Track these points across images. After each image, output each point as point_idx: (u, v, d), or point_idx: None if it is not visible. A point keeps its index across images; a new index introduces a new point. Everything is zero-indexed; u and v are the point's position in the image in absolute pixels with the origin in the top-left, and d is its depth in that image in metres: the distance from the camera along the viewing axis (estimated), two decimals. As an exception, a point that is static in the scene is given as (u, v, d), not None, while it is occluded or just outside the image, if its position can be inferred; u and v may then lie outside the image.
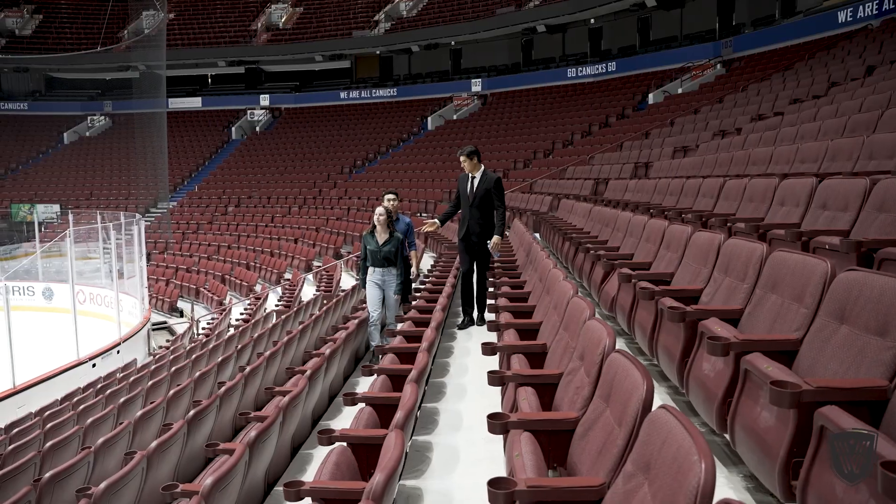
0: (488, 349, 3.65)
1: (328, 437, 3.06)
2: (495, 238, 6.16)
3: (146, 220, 23.09)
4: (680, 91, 20.68)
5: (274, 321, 10.59)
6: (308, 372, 4.73)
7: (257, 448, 3.63)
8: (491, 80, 30.04)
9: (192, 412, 4.59)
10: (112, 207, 24.52)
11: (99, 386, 9.60)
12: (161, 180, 26.28)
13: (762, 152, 6.59)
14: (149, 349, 14.83)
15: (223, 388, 5.18)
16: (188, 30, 34.35)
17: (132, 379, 8.71)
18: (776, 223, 4.15)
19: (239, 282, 17.19)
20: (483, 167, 6.28)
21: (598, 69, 26.36)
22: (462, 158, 6.23)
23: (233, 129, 33.05)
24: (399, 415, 3.00)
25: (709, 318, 2.84)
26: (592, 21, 26.93)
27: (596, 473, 2.10)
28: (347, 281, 13.86)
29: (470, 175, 6.24)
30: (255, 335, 8.65)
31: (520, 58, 29.85)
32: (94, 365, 12.30)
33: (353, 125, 30.85)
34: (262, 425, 3.65)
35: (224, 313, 13.89)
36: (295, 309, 10.42)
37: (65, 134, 34.40)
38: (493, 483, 1.96)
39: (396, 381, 3.92)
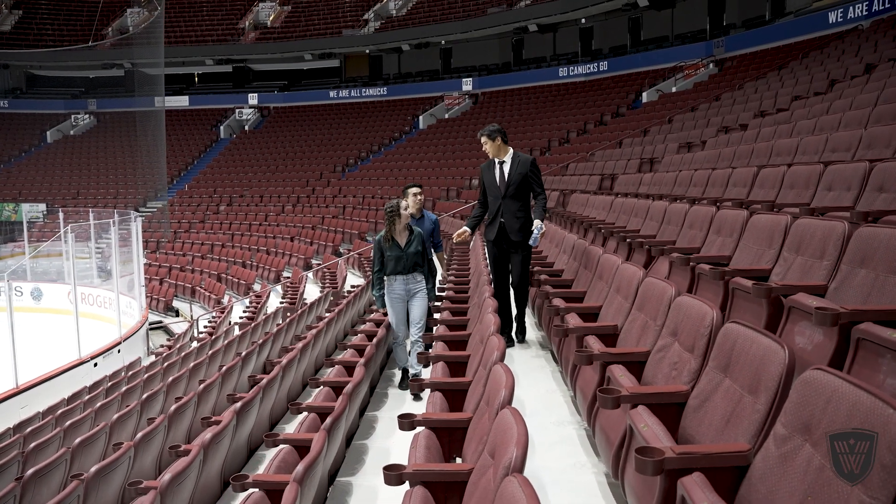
0: (561, 331, 3.65)
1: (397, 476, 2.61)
2: (538, 223, 5.04)
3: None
4: (674, 90, 20.87)
5: (281, 320, 10.52)
6: (349, 388, 4.23)
7: (335, 434, 3.63)
8: (482, 80, 30.08)
9: (238, 404, 4.54)
10: (101, 206, 24.17)
11: (109, 385, 9.45)
12: (159, 177, 25.98)
13: (787, 143, 6.67)
14: (148, 349, 14.62)
15: (265, 380, 5.13)
16: (175, 28, 33.92)
17: (146, 376, 8.58)
18: (828, 206, 4.19)
19: (236, 280, 17.03)
20: (511, 149, 5.26)
21: (589, 68, 26.51)
22: (483, 140, 5.19)
23: (221, 127, 32.74)
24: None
25: (797, 294, 2.87)
26: (583, 21, 27.08)
27: (728, 441, 2.11)
28: (351, 279, 13.79)
29: (497, 161, 5.24)
30: (268, 332, 8.58)
31: (510, 57, 29.93)
32: (95, 364, 12.10)
33: (343, 124, 30.73)
34: (310, 458, 3.61)
35: (226, 312, 13.74)
36: (301, 309, 10.28)
37: (48, 132, 33.83)
38: (641, 451, 1.96)
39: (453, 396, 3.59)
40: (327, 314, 9.03)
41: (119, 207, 23.12)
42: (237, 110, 33.20)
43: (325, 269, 14.89)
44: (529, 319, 6.05)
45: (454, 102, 30.11)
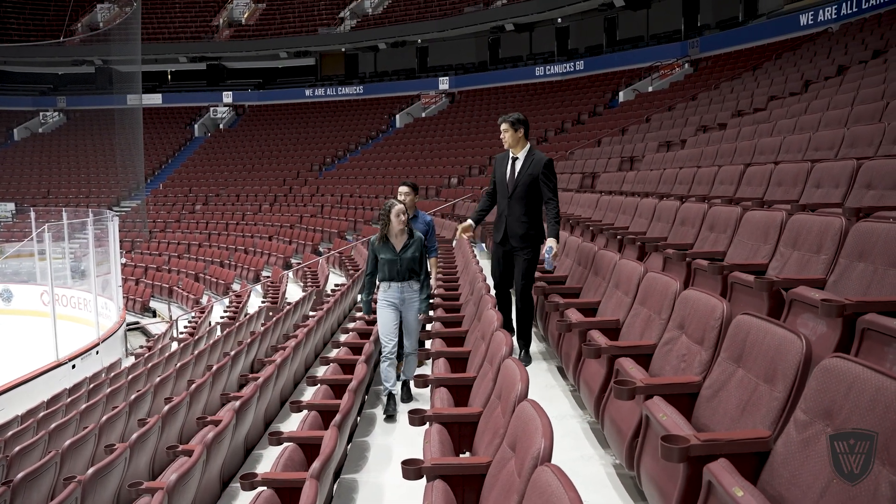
0: (564, 326, 3.70)
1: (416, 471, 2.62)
2: (551, 242, 4.55)
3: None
4: (651, 89, 21.15)
5: (264, 320, 10.44)
6: (353, 385, 4.22)
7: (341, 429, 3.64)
8: (458, 79, 30.14)
9: (237, 403, 4.51)
10: (73, 206, 23.71)
11: (91, 386, 9.29)
12: (132, 176, 25.53)
13: (770, 142, 6.83)
14: (126, 350, 14.40)
15: (261, 379, 5.10)
16: (147, 25, 33.34)
17: (130, 377, 8.47)
18: (818, 203, 4.31)
19: (215, 280, 16.85)
20: (529, 145, 4.69)
21: (565, 68, 26.73)
22: (503, 127, 4.62)
23: (195, 126, 32.33)
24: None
25: (798, 287, 2.96)
26: (559, 20, 27.29)
27: (743, 428, 2.18)
28: (334, 278, 13.74)
29: (511, 155, 4.69)
30: (253, 331, 8.53)
31: (487, 56, 30.04)
32: (73, 367, 11.89)
33: (319, 123, 30.57)
34: (326, 455, 3.62)
35: (206, 312, 13.59)
36: (286, 308, 10.22)
37: (15, 130, 33.05)
38: (666, 439, 2.01)
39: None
40: (313, 313, 9.01)
41: (92, 207, 22.71)
42: (212, 108, 32.81)
43: (305, 269, 14.81)
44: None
45: (431, 101, 30.13)
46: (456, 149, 23.35)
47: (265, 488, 3.13)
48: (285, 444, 3.67)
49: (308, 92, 32.85)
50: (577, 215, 8.05)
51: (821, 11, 18.40)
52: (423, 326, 5.11)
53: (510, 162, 4.73)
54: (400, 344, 4.90)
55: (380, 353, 4.89)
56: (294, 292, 13.72)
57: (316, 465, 2.72)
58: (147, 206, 25.21)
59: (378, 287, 4.86)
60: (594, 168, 13.10)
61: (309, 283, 12.88)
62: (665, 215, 5.42)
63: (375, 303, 4.96)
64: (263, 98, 33.24)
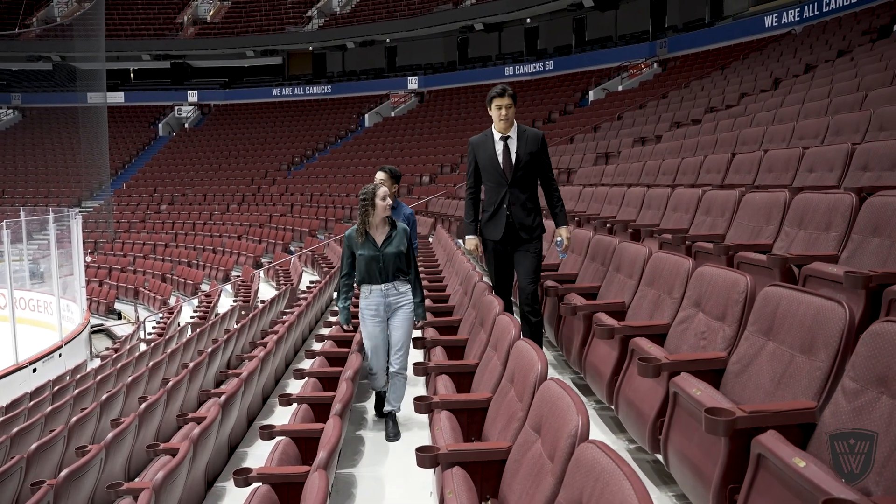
0: (569, 309, 3.60)
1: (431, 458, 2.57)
2: (563, 231, 4.08)
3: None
4: (620, 88, 21.33)
5: (237, 319, 10.17)
6: (350, 374, 3.95)
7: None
8: (427, 78, 30.04)
9: (222, 398, 4.31)
10: (31, 205, 22.90)
11: (55, 389, 8.90)
12: (94, 175, 24.76)
13: (753, 132, 6.86)
14: (91, 352, 13.91)
15: (245, 373, 4.89)
16: (108, 21, 32.45)
17: (98, 378, 8.13)
18: (813, 185, 4.30)
19: (183, 280, 16.41)
20: (516, 122, 4.08)
21: (535, 67, 26.83)
22: (507, 102, 3.95)
23: (160, 125, 31.58)
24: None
25: (812, 263, 2.91)
26: (528, 20, 27.39)
27: (780, 401, 2.09)
28: (307, 277, 13.47)
29: (498, 135, 4.02)
30: (228, 329, 8.28)
31: (456, 56, 29.99)
32: (34, 370, 11.41)
33: (287, 122, 30.15)
34: (332, 446, 3.46)
35: (175, 313, 13.21)
36: (262, 306, 9.95)
37: (-35, 128, 31.88)
38: (711, 412, 1.91)
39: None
40: (290, 310, 8.78)
41: (52, 206, 21.94)
42: (176, 108, 32.10)
43: (277, 268, 14.52)
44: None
45: (400, 101, 29.96)
46: (426, 147, 23.24)
47: (260, 484, 2.96)
48: (278, 439, 3.49)
49: (275, 91, 32.39)
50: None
51: (784, 13, 18.80)
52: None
53: (501, 144, 4.03)
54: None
55: (368, 371, 4.14)
56: (266, 291, 13.43)
57: (322, 455, 2.56)
58: (110, 207, 24.50)
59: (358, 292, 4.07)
60: (569, 164, 13.12)
61: (282, 282, 12.61)
62: (656, 203, 5.38)
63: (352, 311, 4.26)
64: (230, 97, 32.65)
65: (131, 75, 33.86)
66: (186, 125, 31.80)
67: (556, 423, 2.04)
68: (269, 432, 3.57)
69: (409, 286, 3.97)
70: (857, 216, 3.03)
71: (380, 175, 4.88)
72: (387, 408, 4.03)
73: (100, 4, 26.45)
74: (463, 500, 2.08)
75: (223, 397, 4.24)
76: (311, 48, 32.00)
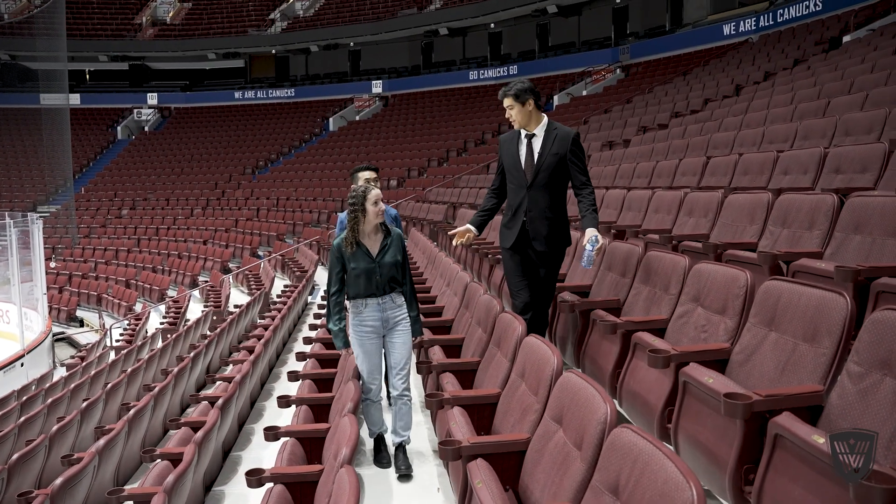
0: (567, 306, 3.72)
1: (455, 451, 2.94)
2: (591, 233, 3.48)
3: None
4: (585, 93, 21.73)
5: (211, 325, 10.04)
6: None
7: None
8: (392, 82, 30.07)
9: (220, 401, 4.31)
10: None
11: (24, 399, 8.66)
12: (49, 180, 24.01)
13: (723, 136, 7.14)
14: (53, 362, 13.54)
15: (239, 376, 4.89)
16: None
17: (73, 386, 7.95)
18: (789, 187, 4.52)
19: (148, 286, 16.11)
20: (546, 117, 3.71)
21: (499, 72, 27.11)
22: (507, 104, 3.64)
23: (118, 128, 30.88)
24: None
25: (800, 259, 3.09)
26: (493, 25, 27.68)
27: (786, 385, 2.24)
28: (278, 284, 13.37)
29: (524, 133, 3.67)
30: (204, 334, 8.19)
31: (420, 60, 30.11)
32: (-5, 380, 11.08)
33: (250, 126, 29.83)
34: (353, 441, 3.51)
35: (143, 319, 12.97)
36: (239, 310, 9.83)
37: None
38: (730, 396, 2.04)
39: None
40: (269, 315, 8.73)
41: (6, 210, 21.26)
42: (135, 110, 31.43)
43: (247, 272, 14.37)
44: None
45: (364, 105, 29.92)
46: (393, 151, 23.28)
47: (272, 485, 2.99)
48: (283, 440, 3.52)
49: (238, 94, 32.00)
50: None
51: (742, 22, 19.45)
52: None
53: (525, 142, 3.66)
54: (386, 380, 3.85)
55: (364, 395, 3.64)
56: (237, 297, 13.29)
57: (346, 451, 2.60)
58: (66, 212, 23.86)
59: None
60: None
61: (253, 287, 12.50)
62: (636, 205, 5.56)
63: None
64: (191, 100, 32.13)
65: (87, 76, 33.02)
66: (146, 128, 31.18)
67: (580, 413, 2.15)
68: (273, 433, 3.60)
69: (403, 298, 3.64)
70: (840, 215, 3.23)
71: (366, 174, 4.38)
72: (395, 439, 3.60)
73: (58, 3, 25.73)
74: (493, 488, 2.18)
75: (220, 400, 4.24)
76: (273, 51, 31.74)
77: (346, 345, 3.70)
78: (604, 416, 1.98)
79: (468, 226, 3.86)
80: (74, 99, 31.48)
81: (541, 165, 3.59)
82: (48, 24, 26.06)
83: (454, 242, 3.94)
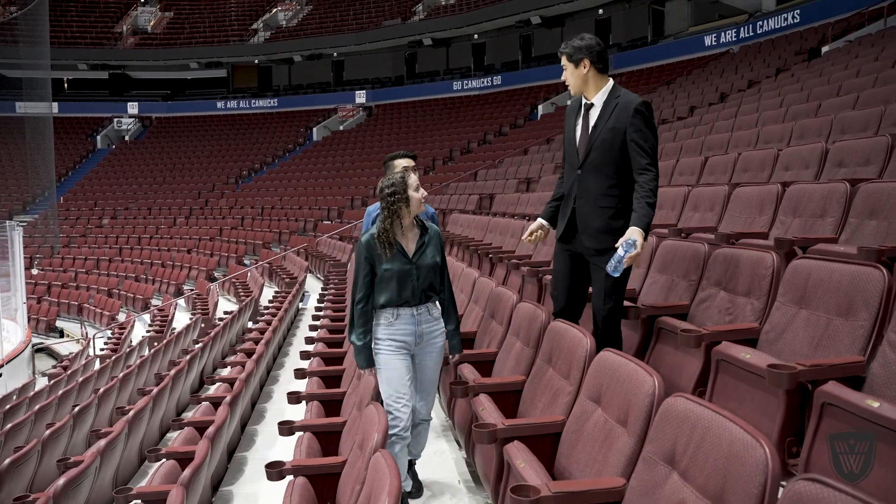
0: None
1: (490, 434, 2.89)
2: (631, 234, 2.72)
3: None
4: (569, 103, 21.90)
5: (200, 333, 9.90)
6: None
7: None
8: (375, 92, 30.11)
9: (229, 397, 4.24)
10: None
11: (7, 408, 8.45)
12: (27, 189, 23.59)
13: (717, 138, 7.24)
14: (34, 372, 13.25)
15: (244, 374, 4.81)
16: (40, 28, 31.29)
17: (60, 392, 7.76)
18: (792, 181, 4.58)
19: (132, 295, 15.86)
20: (612, 82, 2.98)
21: (483, 82, 27.29)
22: (563, 62, 2.98)
23: (98, 137, 30.49)
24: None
25: (816, 244, 3.13)
26: (476, 36, 27.88)
27: (836, 356, 2.26)
28: (267, 292, 13.23)
29: (583, 102, 3.01)
30: (196, 339, 8.07)
31: (404, 70, 30.19)
32: (-24, 390, 10.79)
33: (233, 136, 29.63)
34: (381, 434, 3.47)
35: (127, 328, 12.76)
36: (231, 315, 9.68)
37: None
38: (774, 367, 2.05)
39: None
40: (261, 319, 8.62)
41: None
42: (115, 120, 31.07)
43: (234, 280, 14.22)
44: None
45: (348, 115, 29.91)
46: (377, 161, 23.22)
47: (292, 478, 2.94)
48: (298, 434, 3.47)
49: (220, 104, 31.80)
50: (528, 214, 8.19)
51: (723, 34, 19.82)
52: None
53: (582, 114, 3.00)
54: None
55: (391, 428, 2.91)
56: (224, 305, 13.14)
57: (377, 437, 2.56)
58: (45, 221, 23.46)
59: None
60: (528, 174, 13.40)
61: (241, 295, 12.36)
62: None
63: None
64: (172, 110, 31.86)
65: (66, 85, 32.61)
66: (127, 137, 30.83)
67: (622, 389, 2.14)
68: (288, 428, 3.55)
69: (439, 310, 3.12)
70: (852, 202, 3.28)
71: (403, 162, 3.74)
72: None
73: (42, 7, 25.39)
74: (536, 468, 2.16)
75: (229, 397, 4.17)
76: (256, 61, 31.63)
77: (370, 364, 3.10)
78: (651, 387, 1.98)
79: (540, 220, 3.20)
80: (53, 108, 31.06)
81: (593, 142, 2.91)
82: (30, 31, 25.71)
83: (527, 242, 3.26)
